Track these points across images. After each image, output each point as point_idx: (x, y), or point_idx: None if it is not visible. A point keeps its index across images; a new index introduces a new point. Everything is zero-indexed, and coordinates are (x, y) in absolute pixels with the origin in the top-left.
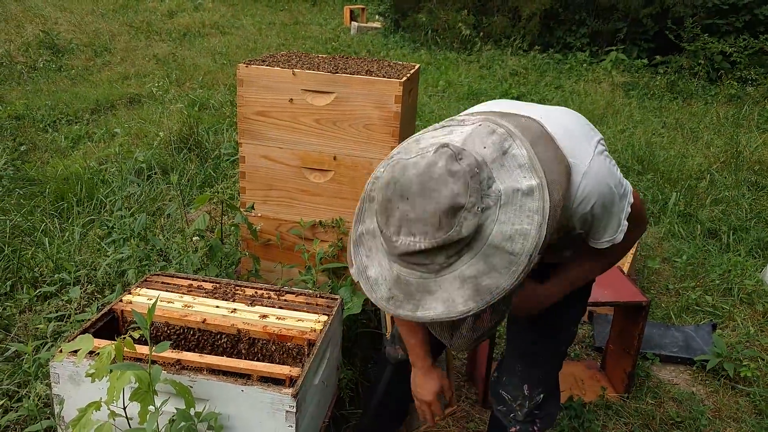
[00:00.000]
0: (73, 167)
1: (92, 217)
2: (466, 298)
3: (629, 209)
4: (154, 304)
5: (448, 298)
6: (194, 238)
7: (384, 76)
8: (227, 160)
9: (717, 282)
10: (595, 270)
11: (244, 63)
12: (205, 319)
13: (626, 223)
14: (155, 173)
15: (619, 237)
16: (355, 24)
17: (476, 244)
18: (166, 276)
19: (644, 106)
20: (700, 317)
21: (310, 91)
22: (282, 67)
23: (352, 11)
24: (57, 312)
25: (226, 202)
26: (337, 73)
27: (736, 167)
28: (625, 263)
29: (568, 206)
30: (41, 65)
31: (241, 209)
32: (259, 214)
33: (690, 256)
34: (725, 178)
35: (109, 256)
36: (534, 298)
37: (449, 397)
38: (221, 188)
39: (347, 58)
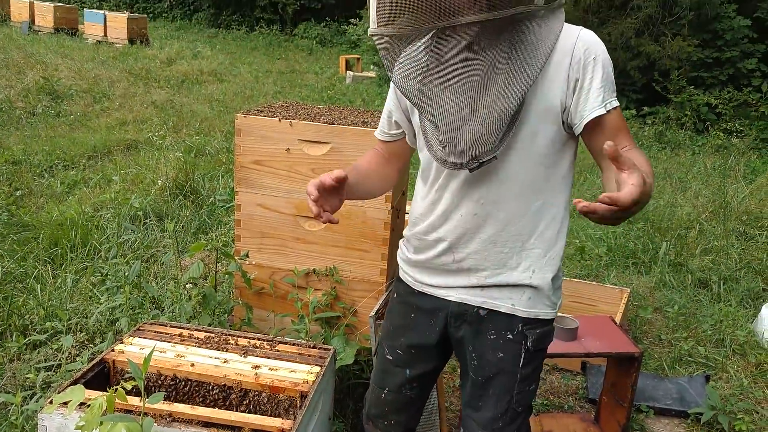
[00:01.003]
0: (68, 213)
1: (86, 263)
2: None
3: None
4: (150, 355)
5: None
6: (188, 286)
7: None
8: (222, 206)
9: (709, 332)
10: (645, 157)
11: (243, 113)
12: (197, 370)
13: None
14: (150, 219)
15: (615, 102)
16: (350, 73)
17: None
18: (158, 325)
19: None
20: (693, 368)
21: (306, 141)
22: (279, 118)
23: (347, 61)
24: (47, 361)
25: (220, 249)
26: (334, 124)
27: (724, 217)
28: (618, 313)
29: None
30: (40, 111)
31: (236, 257)
32: (254, 262)
33: (681, 306)
34: (714, 227)
35: (101, 304)
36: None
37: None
38: (216, 235)
39: (343, 108)
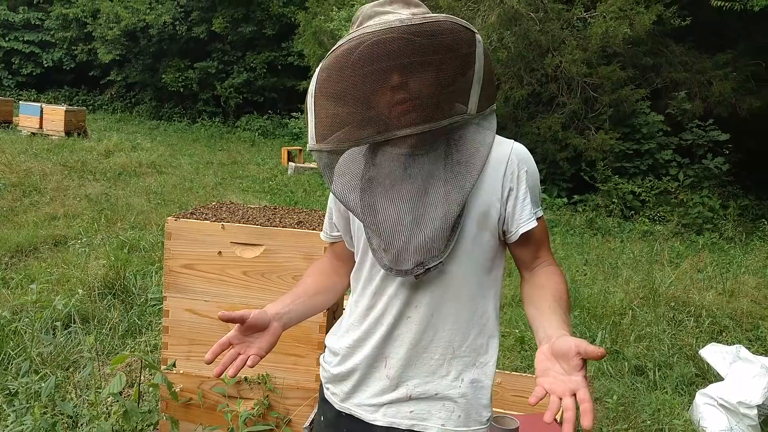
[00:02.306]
0: None
1: None
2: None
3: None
4: None
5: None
6: (108, 400)
7: (314, 228)
8: (154, 305)
9: (648, 422)
10: (560, 276)
11: (174, 216)
12: None
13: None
14: (74, 323)
15: (540, 212)
16: (292, 164)
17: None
18: None
19: (567, 243)
20: None
21: (239, 243)
22: (211, 220)
23: (289, 152)
24: None
25: (144, 360)
26: (267, 225)
27: (654, 303)
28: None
29: (498, 163)
30: None
31: (163, 366)
32: (181, 371)
33: (620, 395)
34: (646, 314)
35: (7, 428)
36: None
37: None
38: (146, 339)
39: (277, 208)
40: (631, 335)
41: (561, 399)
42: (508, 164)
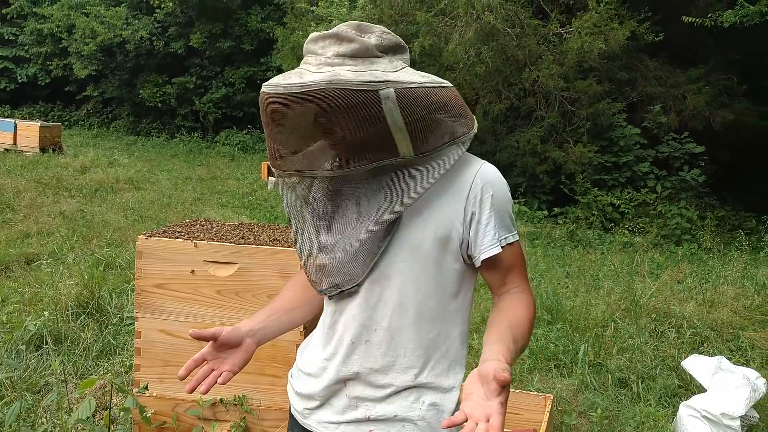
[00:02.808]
0: None
1: None
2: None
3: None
4: None
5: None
6: (78, 426)
7: (290, 246)
8: (129, 324)
9: None
10: (525, 303)
11: (144, 235)
12: None
13: (515, 236)
14: (46, 343)
15: (512, 238)
16: (272, 179)
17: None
18: None
19: (548, 255)
20: None
21: (212, 261)
22: (183, 238)
23: (269, 167)
24: None
25: (114, 384)
26: (241, 243)
27: (635, 315)
28: (543, 421)
29: (462, 183)
30: None
31: (135, 389)
32: (155, 394)
33: (604, 408)
34: (628, 325)
35: None
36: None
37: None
38: (119, 360)
39: (253, 225)
40: (613, 347)
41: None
42: (471, 187)
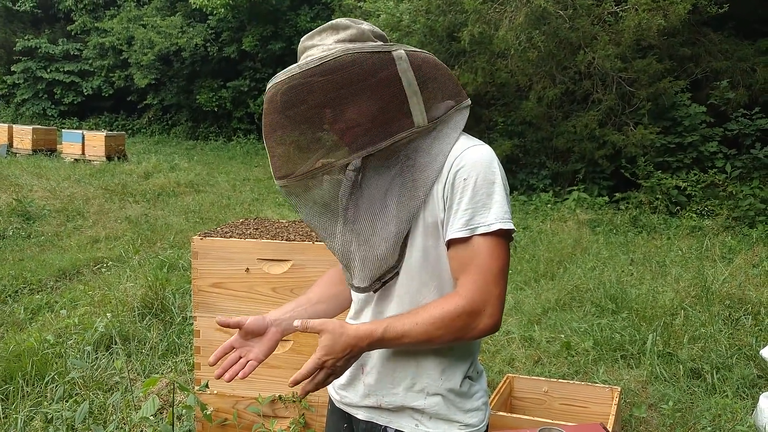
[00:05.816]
0: (27, 342)
1: (41, 398)
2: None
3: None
4: None
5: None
6: (144, 424)
7: None
8: (191, 324)
9: (708, 429)
10: (448, 305)
11: (199, 235)
12: None
13: (507, 222)
14: (115, 343)
15: (484, 229)
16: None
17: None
18: None
19: (611, 242)
20: None
21: (266, 259)
22: (237, 237)
23: None
24: None
25: (176, 383)
26: (293, 240)
27: (707, 302)
28: (610, 414)
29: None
30: (11, 233)
31: (196, 386)
32: (215, 392)
33: (676, 401)
34: (699, 313)
35: None
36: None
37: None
38: (183, 359)
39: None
40: (684, 336)
41: None
42: (449, 171)
